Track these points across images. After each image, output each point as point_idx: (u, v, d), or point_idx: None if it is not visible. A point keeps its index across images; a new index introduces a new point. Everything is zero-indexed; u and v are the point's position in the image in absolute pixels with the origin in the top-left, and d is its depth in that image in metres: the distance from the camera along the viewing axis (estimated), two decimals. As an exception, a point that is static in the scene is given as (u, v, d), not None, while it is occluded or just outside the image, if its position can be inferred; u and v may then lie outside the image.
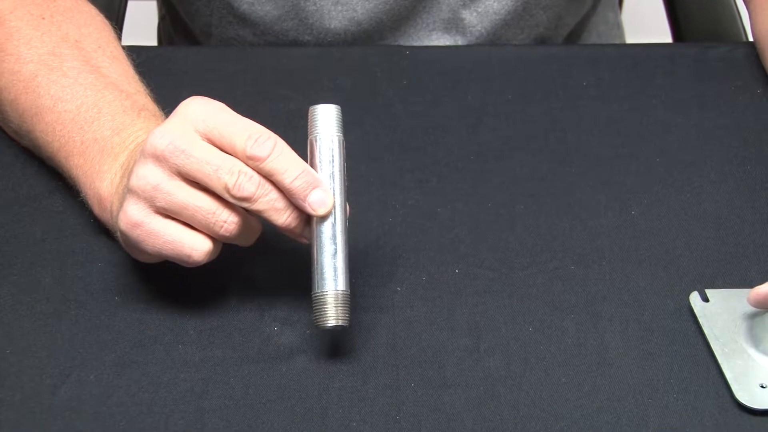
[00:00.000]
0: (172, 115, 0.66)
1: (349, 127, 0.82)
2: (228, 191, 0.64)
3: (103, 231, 0.73)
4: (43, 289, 0.71)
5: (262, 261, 0.73)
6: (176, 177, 0.64)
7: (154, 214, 0.65)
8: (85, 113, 0.73)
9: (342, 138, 0.67)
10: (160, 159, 0.64)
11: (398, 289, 0.72)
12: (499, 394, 0.66)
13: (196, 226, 0.65)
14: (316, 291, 0.65)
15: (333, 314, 0.65)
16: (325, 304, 0.65)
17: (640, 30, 1.43)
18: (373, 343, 0.69)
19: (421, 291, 0.72)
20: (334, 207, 0.65)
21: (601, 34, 1.08)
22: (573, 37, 1.02)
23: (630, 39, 1.12)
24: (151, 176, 0.64)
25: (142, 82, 0.78)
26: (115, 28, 0.81)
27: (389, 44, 0.95)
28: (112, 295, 0.71)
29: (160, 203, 0.65)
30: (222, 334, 0.69)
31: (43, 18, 0.78)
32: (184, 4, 0.98)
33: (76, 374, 0.67)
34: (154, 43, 1.15)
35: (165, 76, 0.85)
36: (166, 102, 0.75)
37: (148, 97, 0.76)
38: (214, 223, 0.65)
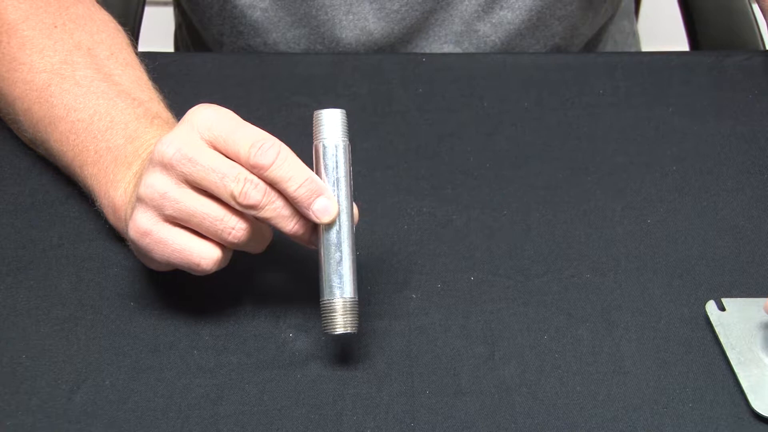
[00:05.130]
0: (180, 122, 0.66)
1: (364, 134, 0.82)
2: (234, 199, 0.64)
3: (119, 237, 0.73)
4: (59, 295, 0.71)
5: (278, 267, 0.73)
6: (184, 185, 0.65)
7: (162, 222, 0.65)
8: (98, 122, 0.73)
9: (347, 143, 0.66)
10: (167, 167, 0.64)
11: (413, 296, 0.72)
12: (514, 402, 0.66)
13: (205, 234, 0.65)
14: (323, 299, 0.65)
15: (340, 322, 0.65)
16: (332, 312, 0.65)
17: (657, 38, 1.43)
18: (388, 350, 0.69)
19: (436, 298, 0.72)
20: (339, 214, 0.65)
21: (617, 43, 1.08)
22: (589, 46, 1.02)
23: (646, 47, 1.11)
24: (159, 184, 0.65)
25: (156, 88, 0.78)
26: (129, 34, 0.81)
27: (405, 52, 0.95)
28: (127, 300, 0.71)
29: (169, 211, 0.65)
30: (237, 341, 0.69)
31: (56, 26, 0.78)
32: (197, 12, 0.98)
33: (92, 379, 0.67)
34: (171, 49, 1.16)
35: (182, 83, 0.86)
36: (183, 109, 0.75)
37: (161, 104, 0.76)
38: (222, 230, 0.65)
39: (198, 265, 0.66)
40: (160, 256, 0.66)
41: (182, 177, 0.64)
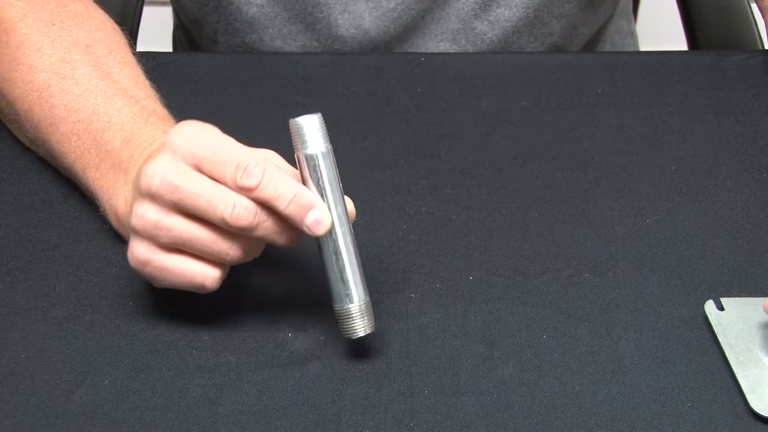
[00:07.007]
0: (163, 148, 0.66)
1: (363, 134, 0.82)
2: (226, 222, 0.64)
3: (118, 237, 0.73)
4: (58, 294, 0.71)
5: (276, 267, 0.73)
6: (174, 212, 0.65)
7: (160, 250, 0.65)
8: (96, 123, 0.73)
9: (329, 146, 0.66)
10: (155, 197, 0.64)
11: (412, 296, 0.72)
12: (513, 401, 0.66)
13: (203, 256, 0.66)
14: (334, 307, 0.66)
15: (358, 326, 0.66)
16: (348, 319, 0.66)
17: (655, 38, 1.43)
18: (387, 350, 0.69)
19: (435, 298, 0.72)
20: (332, 222, 0.65)
21: (615, 43, 1.07)
22: (588, 46, 1.02)
23: (645, 47, 1.11)
24: (149, 215, 0.65)
25: (153, 88, 0.78)
26: (126, 34, 0.81)
27: (403, 51, 0.95)
28: (126, 300, 0.71)
29: (163, 239, 0.65)
30: (236, 340, 0.69)
31: (54, 24, 0.78)
32: (192, 10, 0.98)
33: (91, 379, 0.67)
34: (170, 49, 1.16)
35: (180, 83, 0.86)
36: (181, 108, 0.76)
37: (158, 102, 0.76)
38: (219, 252, 0.65)
39: (203, 286, 0.66)
40: (163, 282, 0.66)
41: (171, 205, 0.64)
